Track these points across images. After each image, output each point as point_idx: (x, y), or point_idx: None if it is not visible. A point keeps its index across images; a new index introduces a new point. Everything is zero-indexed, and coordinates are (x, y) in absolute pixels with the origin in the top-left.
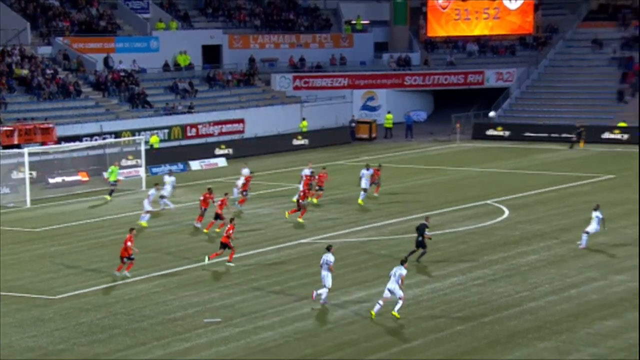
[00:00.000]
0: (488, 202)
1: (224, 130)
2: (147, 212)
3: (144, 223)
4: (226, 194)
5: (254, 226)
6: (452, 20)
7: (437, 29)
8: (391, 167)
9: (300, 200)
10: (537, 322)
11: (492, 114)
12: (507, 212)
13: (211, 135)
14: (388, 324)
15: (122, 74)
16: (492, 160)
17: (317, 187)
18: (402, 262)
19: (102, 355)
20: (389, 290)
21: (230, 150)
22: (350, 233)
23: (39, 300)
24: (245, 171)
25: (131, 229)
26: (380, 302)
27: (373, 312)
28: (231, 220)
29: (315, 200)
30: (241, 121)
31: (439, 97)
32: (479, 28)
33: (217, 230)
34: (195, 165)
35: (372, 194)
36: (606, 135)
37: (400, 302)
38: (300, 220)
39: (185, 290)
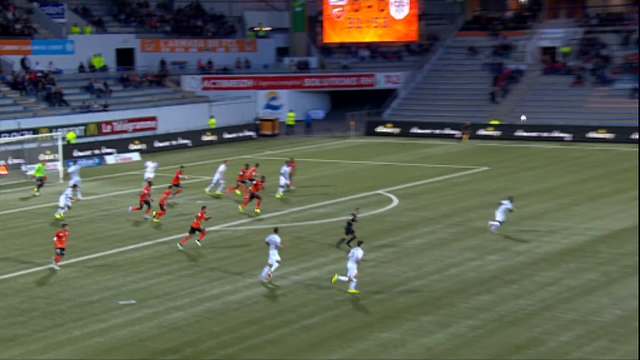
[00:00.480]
0: (380, 192)
1: (137, 127)
2: (61, 208)
3: (58, 216)
4: (170, 187)
5: (166, 215)
6: (346, 29)
7: (333, 36)
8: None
9: (254, 192)
10: (422, 298)
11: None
12: (396, 201)
13: (126, 132)
14: (290, 303)
15: (40, 74)
16: (383, 154)
17: (248, 180)
18: (359, 244)
19: (22, 337)
20: (349, 268)
21: (144, 146)
22: (255, 221)
23: None
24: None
25: (64, 225)
26: (345, 278)
27: (335, 277)
28: (203, 208)
29: (239, 192)
30: (154, 119)
31: (336, 97)
32: (370, 36)
33: (146, 216)
34: (110, 159)
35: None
36: (481, 132)
37: (355, 280)
38: (258, 210)
39: (102, 275)
